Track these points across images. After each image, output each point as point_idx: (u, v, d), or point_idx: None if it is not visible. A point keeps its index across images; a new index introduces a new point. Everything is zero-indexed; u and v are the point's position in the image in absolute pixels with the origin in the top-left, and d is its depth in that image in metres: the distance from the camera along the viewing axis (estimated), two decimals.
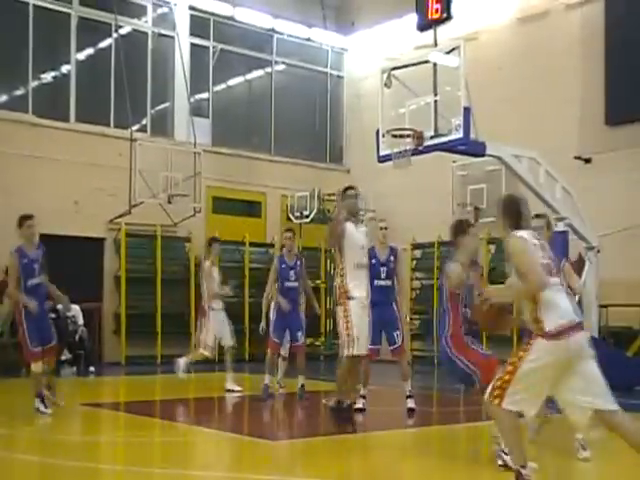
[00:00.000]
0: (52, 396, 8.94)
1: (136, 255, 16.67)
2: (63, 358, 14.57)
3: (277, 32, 19.37)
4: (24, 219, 8.75)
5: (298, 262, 10.44)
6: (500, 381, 4.93)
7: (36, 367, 8.66)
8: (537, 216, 7.45)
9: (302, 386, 10.34)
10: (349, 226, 7.91)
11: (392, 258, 9.22)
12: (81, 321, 14.80)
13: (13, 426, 8.07)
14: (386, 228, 9.45)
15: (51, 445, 7.34)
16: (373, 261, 8.87)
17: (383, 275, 9.05)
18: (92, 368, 14.38)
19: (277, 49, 19.61)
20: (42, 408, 8.61)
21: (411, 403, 9.02)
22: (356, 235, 7.91)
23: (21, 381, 12.80)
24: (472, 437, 8.06)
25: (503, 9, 16.78)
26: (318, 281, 18.01)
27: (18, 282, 8.57)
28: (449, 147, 11.25)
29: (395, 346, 9.07)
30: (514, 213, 5.22)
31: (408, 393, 9.04)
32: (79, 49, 16.75)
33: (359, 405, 8.98)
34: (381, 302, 8.69)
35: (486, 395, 5.01)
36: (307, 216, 18.07)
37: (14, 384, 12.39)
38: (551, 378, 4.93)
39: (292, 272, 10.33)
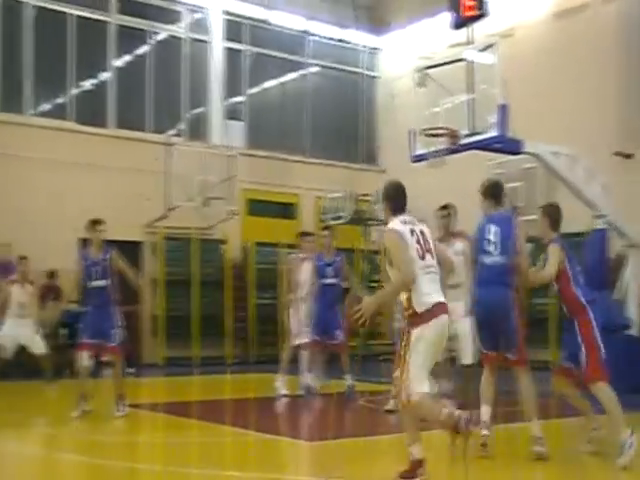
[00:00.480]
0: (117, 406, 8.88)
1: (173, 258, 16.82)
2: (104, 359, 14.73)
3: (311, 34, 19.42)
4: (94, 223, 8.91)
5: (337, 259, 10.37)
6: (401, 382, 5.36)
7: (79, 360, 8.81)
8: (443, 207, 9.06)
9: (350, 386, 10.23)
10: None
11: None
12: (120, 323, 14.90)
13: (54, 426, 8.19)
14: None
15: (91, 445, 7.43)
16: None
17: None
18: (131, 369, 14.49)
19: (311, 51, 19.65)
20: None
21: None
22: None
23: (64, 382, 13.00)
24: (512, 438, 7.96)
25: (539, 4, 16.60)
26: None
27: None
28: (485, 145, 11.15)
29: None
30: (392, 198, 5.82)
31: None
32: (117, 56, 16.99)
33: (389, 407, 8.88)
34: None
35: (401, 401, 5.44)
36: (341, 217, 18.05)
37: (58, 385, 12.57)
38: (433, 354, 5.46)
39: (330, 269, 10.26)
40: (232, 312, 17.21)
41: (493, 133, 10.70)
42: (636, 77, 14.56)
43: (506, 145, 11.04)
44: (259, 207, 18.50)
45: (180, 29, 17.90)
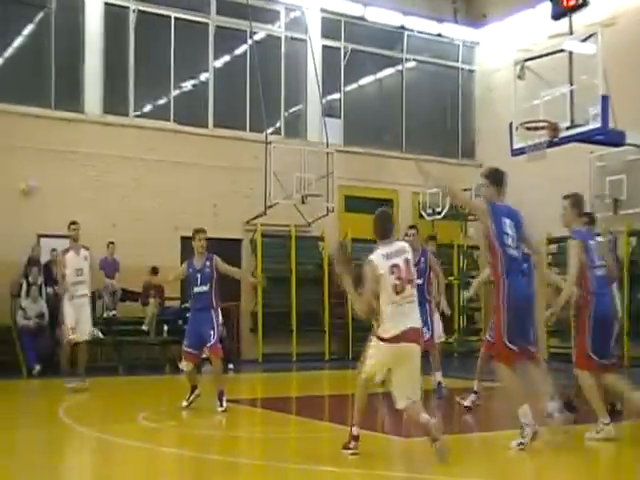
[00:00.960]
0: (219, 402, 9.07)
1: (271, 255, 17.07)
2: (204, 356, 15.13)
3: (407, 29, 19.31)
4: (196, 232, 9.33)
5: (422, 258, 10.09)
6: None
7: (182, 365, 9.41)
8: (410, 227, 9.74)
9: (439, 384, 10.16)
10: None
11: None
12: (220, 320, 15.28)
13: (159, 421, 8.48)
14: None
15: (190, 438, 7.66)
16: None
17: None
18: (231, 365, 14.81)
19: (408, 46, 19.54)
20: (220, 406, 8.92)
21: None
22: None
23: (165, 378, 13.46)
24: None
25: None
26: (451, 277, 17.79)
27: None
28: (586, 138, 10.90)
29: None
30: (378, 228, 6.39)
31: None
32: (216, 57, 17.38)
33: (467, 403, 8.88)
34: None
35: None
36: (439, 212, 17.89)
37: (159, 380, 13.01)
38: (387, 365, 6.30)
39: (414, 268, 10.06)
40: (330, 309, 17.34)
41: (594, 125, 10.45)
42: None
43: (608, 137, 10.77)
44: (356, 203, 18.53)
45: (278, 28, 18.14)
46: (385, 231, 6.42)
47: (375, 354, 6.31)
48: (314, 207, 16.80)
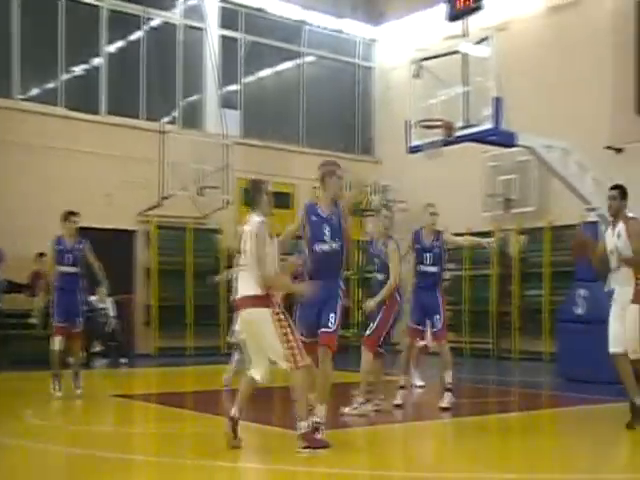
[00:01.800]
0: (75, 386, 9.21)
1: (167, 247, 16.80)
2: (96, 350, 14.76)
3: (307, 23, 19.35)
4: (70, 214, 9.64)
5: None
6: None
7: (53, 343, 9.45)
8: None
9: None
10: None
11: (437, 243, 8.92)
12: (113, 313, 14.97)
13: (45, 417, 8.20)
14: (437, 214, 9.07)
15: (82, 436, 7.44)
16: (417, 246, 8.88)
17: (428, 261, 8.88)
18: (124, 359, 14.54)
19: (307, 40, 19.59)
20: (52, 389, 9.15)
21: (447, 400, 8.65)
22: None
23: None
24: (506, 428, 8.05)
25: None
26: (349, 272, 17.99)
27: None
28: (479, 138, 11.18)
29: (435, 330, 8.88)
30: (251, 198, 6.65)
31: (447, 385, 8.76)
32: (109, 42, 16.89)
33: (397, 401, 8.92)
34: (425, 287, 8.81)
35: None
36: None
37: (47, 376, 12.58)
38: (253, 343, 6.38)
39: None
40: (226, 302, 17.21)
41: (487, 126, 10.74)
42: (628, 72, 14.58)
43: (500, 138, 11.08)
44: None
45: (174, 15, 17.81)
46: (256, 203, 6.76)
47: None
48: (211, 199, 16.63)
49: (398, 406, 8.82)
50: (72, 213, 9.66)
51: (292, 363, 6.23)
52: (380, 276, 8.66)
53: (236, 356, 10.14)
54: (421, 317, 8.89)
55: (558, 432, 8.13)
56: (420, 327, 8.96)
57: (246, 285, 6.37)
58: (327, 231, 6.93)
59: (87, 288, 10.18)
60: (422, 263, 8.86)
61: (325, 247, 6.91)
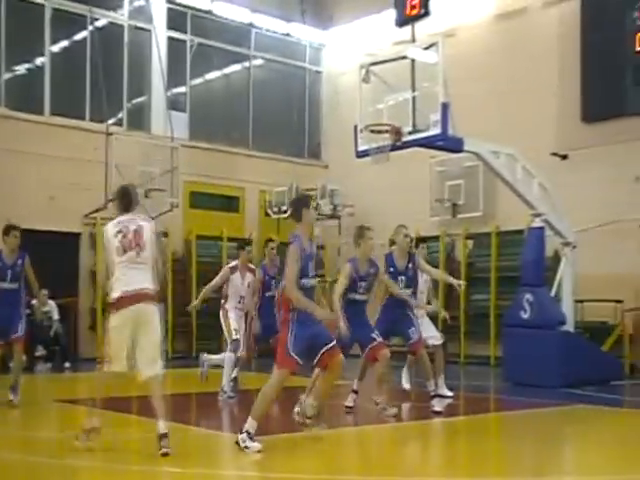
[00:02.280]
0: (12, 394, 8.96)
1: None
2: (38, 354, 14.45)
3: (255, 27, 19.28)
4: (11, 228, 9.24)
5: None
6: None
7: None
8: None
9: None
10: None
11: (411, 266, 8.81)
12: (56, 316, 14.66)
13: None
14: (410, 235, 9.11)
15: (23, 442, 7.26)
16: (391, 269, 8.72)
17: (402, 284, 8.71)
18: (67, 364, 14.26)
19: (255, 44, 19.51)
20: None
21: (438, 406, 8.66)
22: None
23: None
24: (452, 431, 8.11)
25: (481, 6, 16.82)
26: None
27: None
28: (427, 143, 11.27)
29: (411, 342, 8.73)
30: (118, 199, 6.76)
31: (435, 392, 8.78)
32: (54, 41, 16.57)
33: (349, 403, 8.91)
34: (397, 306, 8.70)
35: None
36: (285, 211, 18.02)
37: None
38: (127, 338, 6.37)
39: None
40: (174, 306, 17.02)
41: (435, 131, 10.83)
42: (574, 80, 14.89)
43: (447, 143, 11.18)
44: (202, 200, 18.34)
45: (121, 16, 17.57)
46: (125, 205, 6.76)
47: (113, 324, 6.55)
48: (158, 202, 16.41)
49: (350, 408, 8.84)
50: (13, 227, 9.28)
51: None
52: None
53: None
54: (388, 332, 8.75)
55: (503, 435, 8.22)
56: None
57: (143, 279, 6.47)
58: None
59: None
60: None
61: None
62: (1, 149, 15.19)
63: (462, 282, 9.56)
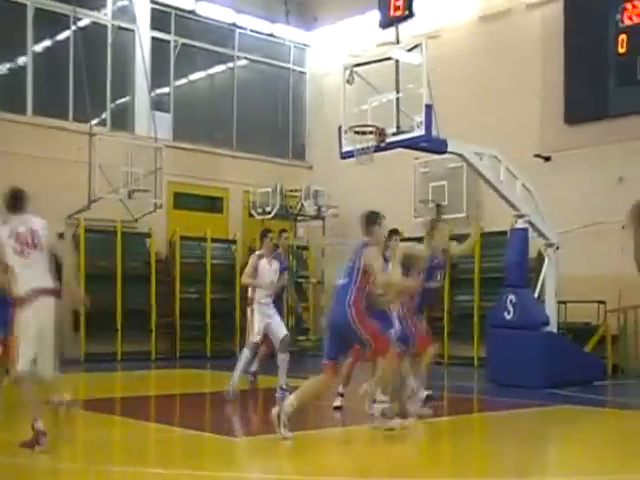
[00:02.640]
0: None
1: (95, 251, 16.43)
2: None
3: (239, 27, 19.25)
4: None
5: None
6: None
7: None
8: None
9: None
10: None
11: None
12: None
13: None
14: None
15: (5, 444, 7.20)
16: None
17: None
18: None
19: (239, 44, 19.49)
20: None
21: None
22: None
23: None
24: (436, 432, 8.13)
25: (465, 7, 16.88)
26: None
27: None
28: (411, 144, 11.30)
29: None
30: (8, 203, 6.88)
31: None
32: (36, 41, 16.46)
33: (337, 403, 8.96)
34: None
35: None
36: (269, 212, 18.01)
37: None
38: (32, 337, 6.44)
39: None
40: (157, 307, 16.97)
41: (419, 132, 10.85)
42: (557, 81, 14.98)
43: (431, 144, 11.21)
44: (185, 200, 18.29)
45: (104, 16, 17.49)
46: (17, 207, 6.97)
47: (17, 321, 6.59)
48: (141, 203, 16.38)
49: (338, 408, 8.87)
50: None
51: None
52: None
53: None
54: None
55: (487, 436, 8.26)
56: None
57: (43, 277, 6.71)
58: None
59: None
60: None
61: None
62: None
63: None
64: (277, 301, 10.61)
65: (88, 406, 9.40)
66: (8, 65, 16.42)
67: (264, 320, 9.95)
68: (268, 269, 10.05)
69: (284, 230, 11.20)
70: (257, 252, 10.22)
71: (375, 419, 7.53)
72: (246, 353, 9.98)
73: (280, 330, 9.97)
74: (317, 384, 7.25)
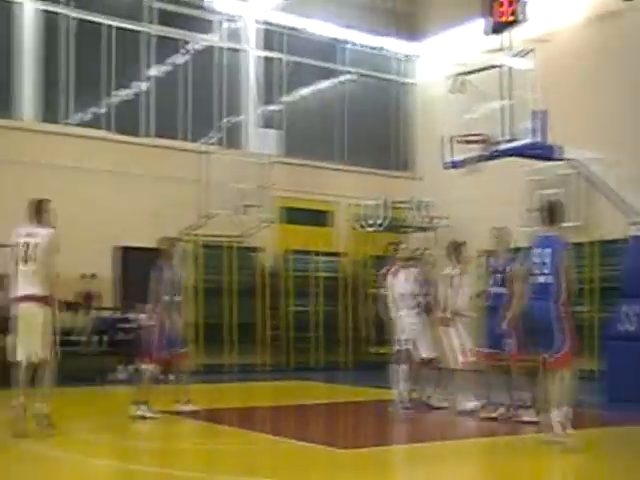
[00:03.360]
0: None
1: (208, 266, 16.91)
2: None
3: (347, 42, 19.47)
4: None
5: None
6: None
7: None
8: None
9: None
10: None
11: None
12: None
13: (95, 432, 8.29)
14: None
15: (131, 452, 7.50)
16: (490, 269, 9.30)
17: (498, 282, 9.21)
18: (171, 376, 14.59)
19: (347, 59, 19.69)
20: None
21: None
22: None
23: (99, 389, 13.19)
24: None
25: (575, 9, 16.42)
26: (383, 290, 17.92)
27: None
28: (521, 152, 11.07)
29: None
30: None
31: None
32: (154, 66, 17.20)
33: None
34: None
35: None
36: (377, 225, 18.01)
37: (93, 392, 12.75)
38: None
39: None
40: (267, 320, 17.27)
41: (529, 139, 10.62)
42: None
43: (542, 151, 10.95)
44: (294, 215, 18.56)
45: (215, 38, 18.06)
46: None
47: None
48: (252, 218, 16.72)
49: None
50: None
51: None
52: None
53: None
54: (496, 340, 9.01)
55: (607, 451, 7.91)
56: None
57: (35, 286, 7.84)
58: None
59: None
60: (494, 285, 9.10)
61: None
62: (107, 171, 15.83)
63: None
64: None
65: (203, 416, 9.68)
66: (127, 91, 17.19)
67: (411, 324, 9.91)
68: (404, 280, 10.11)
69: (398, 242, 11.13)
70: (390, 269, 10.28)
71: (550, 431, 7.30)
72: (393, 366, 9.82)
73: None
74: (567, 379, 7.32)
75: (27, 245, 7.80)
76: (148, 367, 9.34)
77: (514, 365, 8.82)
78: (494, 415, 8.99)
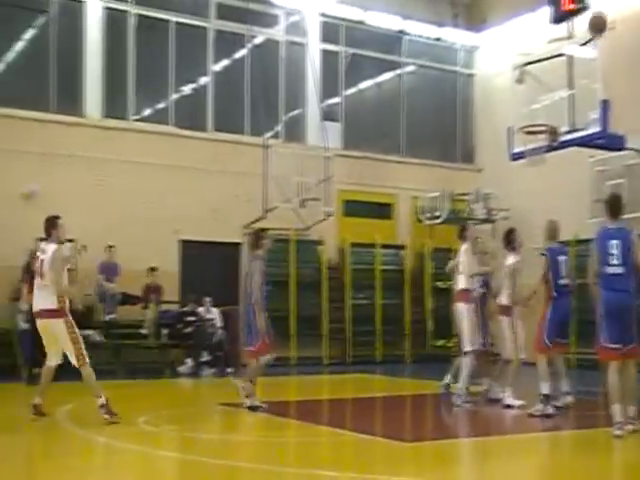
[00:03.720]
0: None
1: (270, 258, 16.92)
2: (204, 359, 15.14)
3: (407, 33, 19.34)
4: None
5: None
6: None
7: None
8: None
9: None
10: None
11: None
12: (220, 324, 15.34)
13: (159, 424, 8.48)
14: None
15: (193, 443, 7.65)
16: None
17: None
18: (230, 369, 14.82)
19: (407, 50, 19.57)
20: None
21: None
22: None
23: (164, 382, 13.46)
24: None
25: None
26: (450, 282, 17.79)
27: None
28: (586, 142, 10.90)
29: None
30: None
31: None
32: (215, 61, 17.38)
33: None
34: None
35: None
36: (438, 217, 17.89)
37: (158, 384, 13.01)
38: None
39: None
40: (328, 312, 17.34)
41: (594, 129, 10.44)
42: None
43: (608, 141, 10.76)
44: (355, 207, 18.56)
45: (277, 32, 18.16)
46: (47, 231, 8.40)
47: None
48: (313, 211, 16.77)
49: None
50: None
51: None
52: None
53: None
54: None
55: None
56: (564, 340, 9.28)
57: (46, 300, 8.17)
58: None
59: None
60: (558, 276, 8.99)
61: None
62: (170, 166, 16.10)
63: None
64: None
65: (266, 409, 9.80)
66: (191, 85, 17.43)
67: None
68: None
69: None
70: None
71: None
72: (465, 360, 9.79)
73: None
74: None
75: (40, 261, 8.27)
76: (267, 357, 9.41)
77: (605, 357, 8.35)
78: (559, 404, 8.91)
